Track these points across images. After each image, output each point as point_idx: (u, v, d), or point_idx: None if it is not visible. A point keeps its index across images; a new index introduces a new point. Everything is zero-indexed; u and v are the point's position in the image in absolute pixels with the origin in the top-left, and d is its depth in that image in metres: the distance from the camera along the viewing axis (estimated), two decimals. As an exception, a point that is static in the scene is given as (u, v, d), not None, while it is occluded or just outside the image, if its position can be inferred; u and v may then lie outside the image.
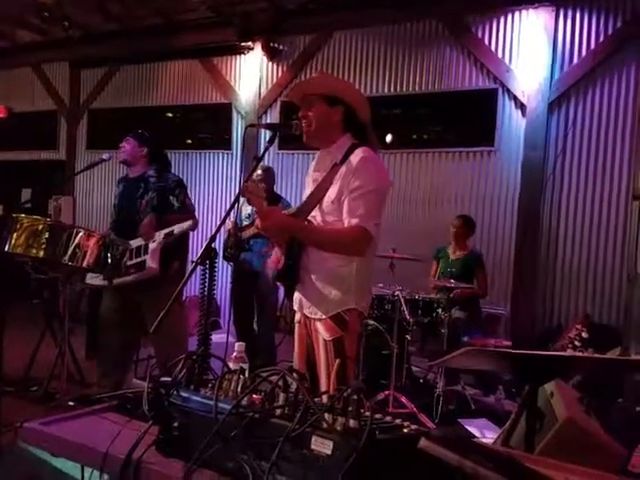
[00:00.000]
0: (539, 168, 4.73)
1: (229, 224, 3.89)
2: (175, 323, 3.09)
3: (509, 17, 4.87)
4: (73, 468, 1.64)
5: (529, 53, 4.76)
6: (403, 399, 3.39)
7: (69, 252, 2.61)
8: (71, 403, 3.11)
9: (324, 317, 1.92)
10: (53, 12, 5.79)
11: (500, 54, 4.90)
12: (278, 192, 4.55)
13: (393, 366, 3.37)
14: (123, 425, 1.19)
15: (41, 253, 2.59)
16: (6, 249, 2.58)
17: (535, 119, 4.73)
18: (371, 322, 3.51)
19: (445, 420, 3.36)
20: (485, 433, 3.19)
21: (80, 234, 2.66)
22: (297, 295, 2.03)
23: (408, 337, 3.67)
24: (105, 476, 1.40)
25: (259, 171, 3.95)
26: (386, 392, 3.39)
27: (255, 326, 4.23)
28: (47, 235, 2.58)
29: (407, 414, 3.24)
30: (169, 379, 1.23)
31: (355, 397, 0.98)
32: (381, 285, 3.77)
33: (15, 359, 2.81)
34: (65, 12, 5.94)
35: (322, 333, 1.93)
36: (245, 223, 4.01)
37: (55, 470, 1.69)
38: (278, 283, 3.29)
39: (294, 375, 1.09)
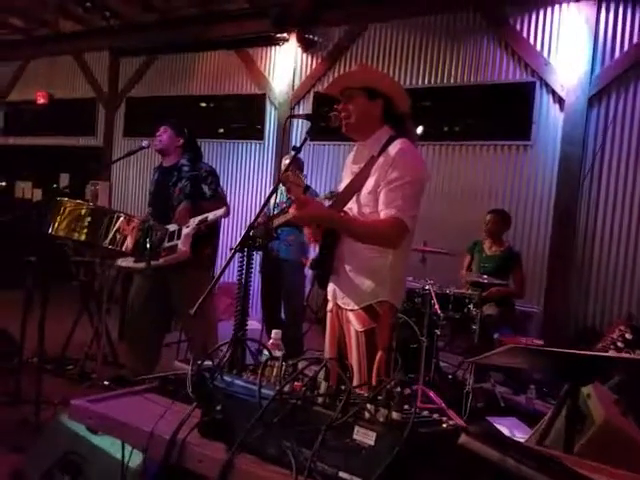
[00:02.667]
0: (577, 164, 4.60)
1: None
2: (207, 308, 3.16)
3: (549, 10, 4.75)
4: (111, 446, 1.70)
5: (569, 47, 4.63)
6: (431, 394, 3.36)
7: (110, 236, 2.68)
8: (106, 382, 3.23)
9: (356, 308, 1.93)
10: (95, 2, 5.90)
11: (539, 47, 4.78)
12: (308, 183, 4.56)
13: (422, 360, 3.35)
14: (167, 407, 1.21)
15: (83, 236, 2.67)
16: (50, 231, 2.66)
17: (574, 114, 4.60)
18: (400, 315, 3.50)
19: (474, 417, 3.33)
20: (514, 432, 3.14)
21: (121, 219, 2.73)
22: (331, 285, 2.03)
23: (437, 331, 3.64)
24: (144, 456, 1.44)
25: (286, 160, 3.98)
26: (414, 386, 3.37)
27: (282, 314, 4.28)
28: (89, 219, 2.65)
29: (435, 409, 3.22)
30: (210, 363, 1.25)
31: (398, 389, 0.98)
32: (411, 278, 3.75)
33: (53, 339, 2.92)
34: (106, 2, 6.06)
35: (354, 324, 1.93)
36: (275, 212, 4.04)
37: (93, 447, 1.75)
38: (309, 272, 3.29)
39: (337, 365, 1.10)
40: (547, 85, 4.74)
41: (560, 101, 4.68)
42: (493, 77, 4.97)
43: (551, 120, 4.73)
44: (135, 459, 1.48)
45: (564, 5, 4.67)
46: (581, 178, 4.60)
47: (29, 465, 1.90)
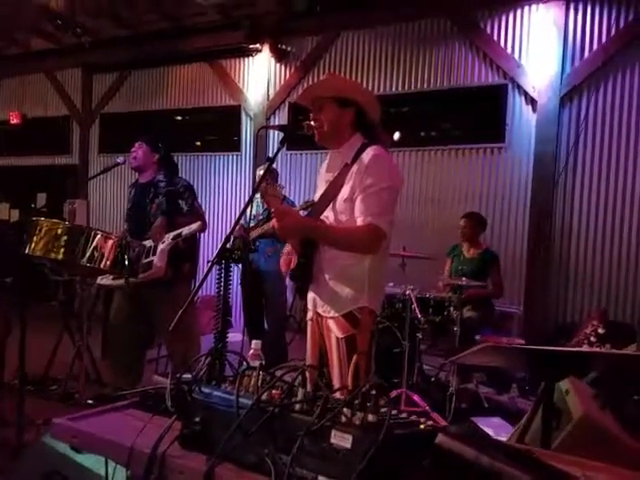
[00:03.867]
0: (551, 164, 4.69)
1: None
2: (189, 322, 3.14)
3: (518, 12, 4.85)
4: (96, 463, 1.68)
5: (539, 48, 4.73)
6: (415, 397, 3.39)
7: (87, 254, 2.66)
8: (90, 401, 3.19)
9: (337, 315, 1.94)
10: (65, 19, 5.86)
11: (510, 49, 4.88)
12: (285, 192, 4.57)
13: (405, 364, 3.37)
14: (147, 421, 1.21)
15: (60, 255, 2.64)
16: (26, 252, 2.63)
17: (546, 114, 4.69)
18: (382, 320, 3.52)
19: (458, 419, 3.35)
20: (499, 432, 3.16)
21: (98, 236, 2.71)
22: (311, 294, 2.04)
23: (419, 335, 3.66)
24: (128, 471, 1.43)
25: (261, 171, 3.98)
26: (398, 390, 3.38)
27: (265, 325, 4.26)
28: (66, 237, 2.63)
29: (419, 412, 3.24)
30: (189, 376, 1.26)
31: (373, 392, 0.99)
32: (392, 284, 3.77)
33: (35, 359, 2.88)
34: (77, 19, 6.03)
35: (334, 331, 1.94)
36: (251, 224, 4.04)
37: (78, 465, 1.72)
38: (291, 282, 3.29)
39: (312, 371, 1.10)
40: (519, 87, 4.83)
41: (532, 102, 4.77)
42: (466, 81, 5.05)
43: (524, 121, 4.82)
44: (119, 476, 1.47)
45: (533, 6, 4.77)
46: (556, 177, 4.69)
47: (11, 487, 1.86)
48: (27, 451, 2.04)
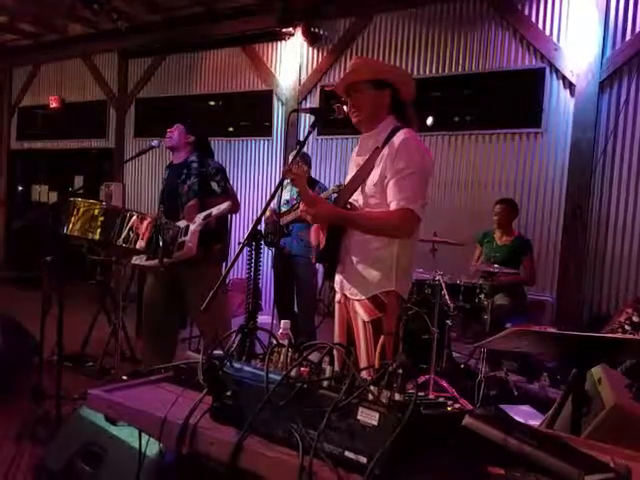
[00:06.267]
0: (588, 151, 4.55)
1: (268, 212, 3.96)
2: (220, 303, 3.20)
3: (558, -7, 4.68)
4: (129, 435, 1.75)
5: (579, 31, 4.56)
6: (444, 383, 3.39)
7: (123, 234, 2.72)
8: (124, 378, 3.30)
9: (363, 298, 1.94)
10: (102, 5, 5.97)
11: (548, 32, 4.71)
12: (316, 177, 4.59)
13: (433, 350, 3.36)
14: (179, 394, 1.26)
15: (97, 236, 2.72)
16: (64, 232, 2.72)
17: (585, 99, 4.54)
18: (411, 306, 3.50)
19: (487, 405, 3.33)
20: (528, 420, 3.14)
21: (133, 217, 2.77)
22: (338, 276, 2.05)
23: (449, 322, 3.64)
24: (158, 445, 1.49)
25: (291, 156, 4.00)
26: (426, 376, 3.39)
27: (295, 308, 4.32)
28: (102, 218, 2.70)
29: (448, 398, 3.23)
30: (220, 352, 1.30)
31: (400, 372, 1.01)
32: (421, 270, 3.75)
33: (72, 336, 3.00)
34: (113, 4, 6.12)
35: (361, 314, 1.95)
36: (283, 209, 4.07)
37: (112, 437, 1.80)
38: (319, 265, 3.31)
39: (340, 350, 1.13)
40: (557, 71, 4.68)
41: (570, 86, 4.62)
42: (502, 64, 4.92)
43: (562, 106, 4.68)
44: (152, 448, 1.53)
45: (574, -12, 4.60)
46: (593, 164, 4.54)
47: (51, 456, 1.97)
48: (65, 423, 2.14)
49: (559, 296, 4.65)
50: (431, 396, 1.21)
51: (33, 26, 7.33)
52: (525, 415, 3.24)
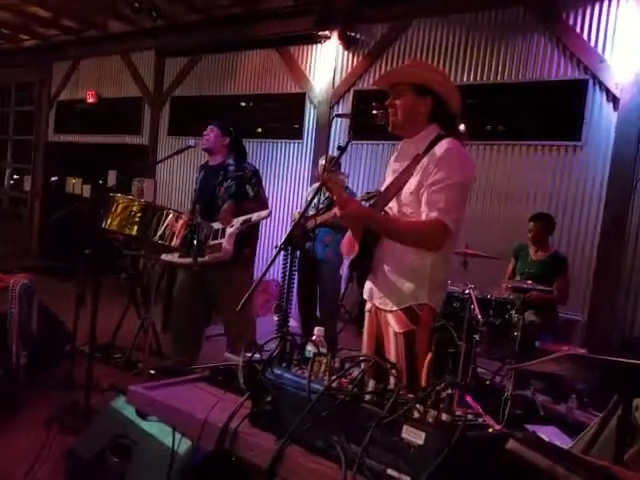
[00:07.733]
0: (630, 166, 4.41)
1: (295, 214, 3.95)
2: (248, 305, 3.21)
3: (605, 4, 4.55)
4: (160, 431, 1.75)
5: (625, 43, 4.43)
6: (468, 398, 3.31)
7: (159, 232, 2.77)
8: (152, 372, 3.34)
9: (395, 309, 1.90)
10: (143, 3, 6.07)
11: (593, 43, 4.60)
12: (346, 182, 4.56)
13: (460, 365, 3.29)
14: (219, 396, 1.25)
15: (134, 232, 2.77)
16: (103, 226, 2.77)
17: (629, 113, 4.40)
18: (438, 319, 3.45)
19: (512, 424, 3.25)
20: (553, 440, 3.05)
21: (170, 215, 2.82)
22: (368, 285, 2.02)
23: (476, 337, 3.57)
24: (188, 442, 1.48)
25: (323, 161, 3.98)
26: (451, 390, 3.32)
27: (318, 313, 4.30)
28: (140, 215, 2.75)
29: (472, 414, 3.16)
30: (258, 356, 1.28)
31: (448, 392, 0.98)
32: (450, 282, 3.69)
33: (102, 328, 3.05)
34: (153, 2, 6.22)
35: (393, 325, 1.91)
36: (310, 213, 4.06)
37: (143, 432, 1.80)
38: (345, 272, 3.26)
39: (386, 364, 1.10)
40: (601, 83, 4.55)
41: (614, 100, 4.49)
42: (543, 74, 4.82)
43: (604, 120, 4.55)
44: (183, 446, 1.53)
45: (621, -1, 4.48)
46: (634, 181, 4.41)
47: (82, 446, 1.98)
48: (97, 414, 2.16)
49: (590, 316, 4.52)
50: (469, 415, 1.17)
51: (74, 22, 7.51)
52: (550, 435, 3.15)
